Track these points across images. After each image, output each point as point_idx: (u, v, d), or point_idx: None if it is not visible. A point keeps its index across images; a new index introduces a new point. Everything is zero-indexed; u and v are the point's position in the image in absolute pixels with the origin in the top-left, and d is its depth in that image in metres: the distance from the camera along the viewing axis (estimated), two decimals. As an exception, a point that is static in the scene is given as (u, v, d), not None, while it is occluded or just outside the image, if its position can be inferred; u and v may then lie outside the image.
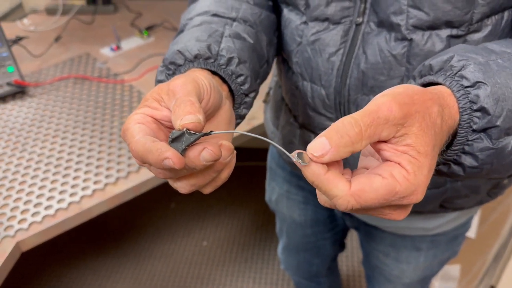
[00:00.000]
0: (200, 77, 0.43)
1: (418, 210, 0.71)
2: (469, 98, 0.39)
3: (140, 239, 1.88)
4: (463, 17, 0.51)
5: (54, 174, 1.03)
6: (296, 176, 0.92)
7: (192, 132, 0.37)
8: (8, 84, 1.26)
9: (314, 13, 0.60)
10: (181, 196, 2.04)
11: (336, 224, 1.02)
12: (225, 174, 0.43)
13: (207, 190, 0.43)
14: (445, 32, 0.53)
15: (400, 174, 0.34)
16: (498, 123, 0.38)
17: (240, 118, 0.54)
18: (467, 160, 0.40)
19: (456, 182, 0.67)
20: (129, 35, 1.57)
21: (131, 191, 0.99)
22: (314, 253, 1.09)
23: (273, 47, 0.64)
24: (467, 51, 0.42)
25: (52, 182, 1.01)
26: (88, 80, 1.35)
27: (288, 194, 0.96)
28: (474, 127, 0.39)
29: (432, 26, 0.52)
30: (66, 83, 1.34)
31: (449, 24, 0.52)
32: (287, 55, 0.68)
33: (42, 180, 1.01)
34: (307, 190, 0.93)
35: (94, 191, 0.98)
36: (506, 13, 0.52)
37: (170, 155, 0.35)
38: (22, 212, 0.94)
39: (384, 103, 0.34)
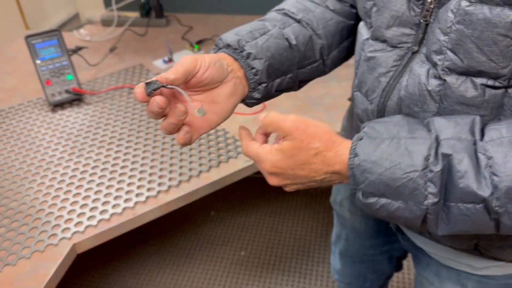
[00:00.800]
0: (204, 57, 0.58)
1: (452, 245, 0.69)
2: (353, 161, 0.53)
3: (180, 245, 1.92)
4: (499, 70, 0.50)
5: (109, 179, 1.07)
6: None
7: (158, 82, 0.53)
8: (67, 91, 1.33)
9: (375, 33, 0.63)
10: (221, 205, 2.07)
11: (395, 239, 1.00)
12: (186, 134, 0.59)
13: (181, 140, 0.58)
14: (480, 80, 0.52)
15: (265, 148, 0.57)
16: (361, 186, 0.53)
17: (254, 99, 0.67)
18: (357, 201, 0.55)
19: None
20: (180, 48, 1.62)
21: (182, 199, 1.03)
22: (370, 267, 1.08)
23: (337, 50, 0.74)
24: (387, 124, 0.55)
25: (107, 187, 1.05)
26: (141, 90, 1.40)
27: (352, 198, 0.95)
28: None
29: (466, 73, 0.52)
30: (120, 92, 1.40)
31: (483, 74, 0.51)
32: (354, 63, 0.72)
33: (97, 185, 1.06)
34: None
35: (147, 197, 1.02)
36: None
37: (137, 90, 0.53)
38: (79, 215, 0.98)
39: (287, 118, 0.55)
